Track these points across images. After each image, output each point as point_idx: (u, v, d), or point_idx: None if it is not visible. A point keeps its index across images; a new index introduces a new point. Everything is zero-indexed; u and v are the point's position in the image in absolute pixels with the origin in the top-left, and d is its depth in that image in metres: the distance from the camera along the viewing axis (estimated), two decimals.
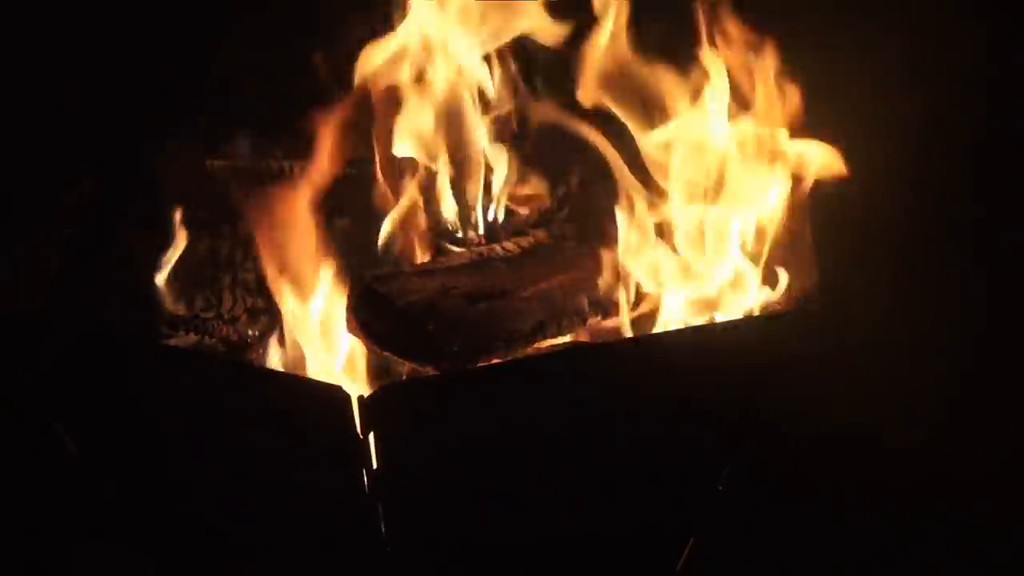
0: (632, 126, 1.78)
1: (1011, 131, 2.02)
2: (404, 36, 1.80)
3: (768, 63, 1.75)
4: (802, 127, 1.75)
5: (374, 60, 1.79)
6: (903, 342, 1.98)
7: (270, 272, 1.68)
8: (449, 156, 1.81)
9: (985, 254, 2.06)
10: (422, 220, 1.83)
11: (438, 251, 1.81)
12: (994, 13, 1.95)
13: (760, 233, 1.77)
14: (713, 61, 1.75)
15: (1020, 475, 1.89)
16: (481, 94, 1.83)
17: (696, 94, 1.77)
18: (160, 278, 1.79)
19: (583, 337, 1.76)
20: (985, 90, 1.99)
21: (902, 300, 1.98)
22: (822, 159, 1.72)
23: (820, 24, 1.88)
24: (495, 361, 1.62)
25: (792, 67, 1.76)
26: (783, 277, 1.75)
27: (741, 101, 1.78)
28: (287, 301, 1.68)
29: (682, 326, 1.73)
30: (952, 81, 1.95)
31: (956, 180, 2.02)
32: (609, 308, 1.75)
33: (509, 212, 1.88)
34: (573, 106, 1.82)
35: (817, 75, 1.81)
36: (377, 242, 1.83)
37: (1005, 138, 2.02)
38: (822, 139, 1.75)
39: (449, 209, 1.83)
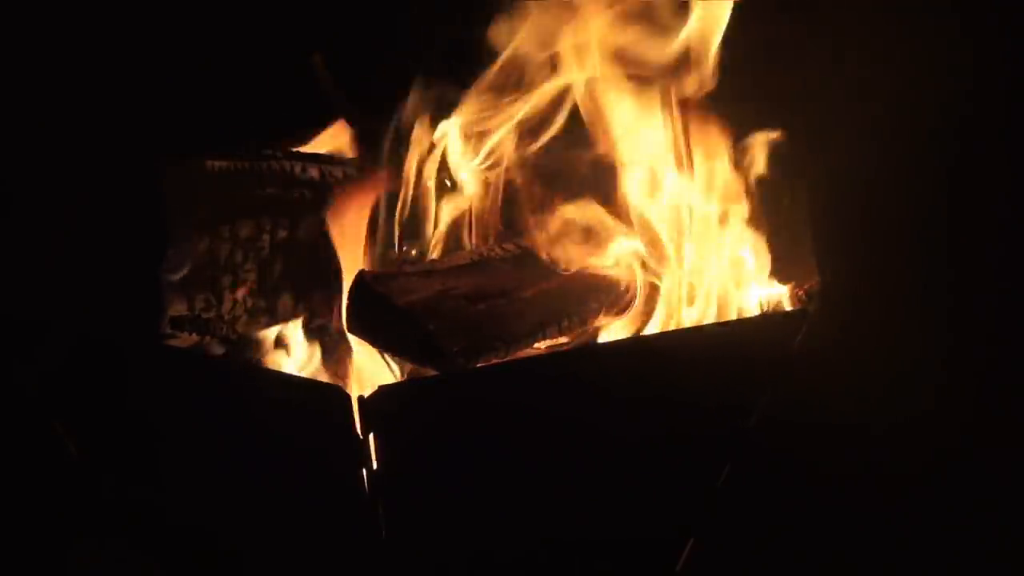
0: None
1: (1013, 132, 2.02)
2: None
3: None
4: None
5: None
6: (902, 342, 1.98)
7: None
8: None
9: (986, 254, 2.06)
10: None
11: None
12: (988, 14, 1.96)
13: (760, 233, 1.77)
14: None
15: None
16: None
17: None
18: (172, 278, 1.79)
19: (583, 337, 1.76)
20: (987, 91, 2.00)
21: (902, 300, 1.98)
22: None
23: (820, 26, 1.88)
24: (495, 361, 1.62)
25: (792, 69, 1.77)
26: (783, 277, 1.75)
27: None
28: None
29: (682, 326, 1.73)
30: (956, 82, 1.95)
31: (956, 180, 2.02)
32: (610, 308, 1.76)
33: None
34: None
35: (818, 76, 1.82)
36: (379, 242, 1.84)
37: (1008, 139, 2.03)
38: (822, 141, 1.75)
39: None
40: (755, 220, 1.78)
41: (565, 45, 1.77)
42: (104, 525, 1.71)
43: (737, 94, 1.79)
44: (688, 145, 1.79)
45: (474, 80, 1.83)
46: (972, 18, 1.92)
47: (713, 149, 1.80)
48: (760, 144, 1.78)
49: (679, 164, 1.78)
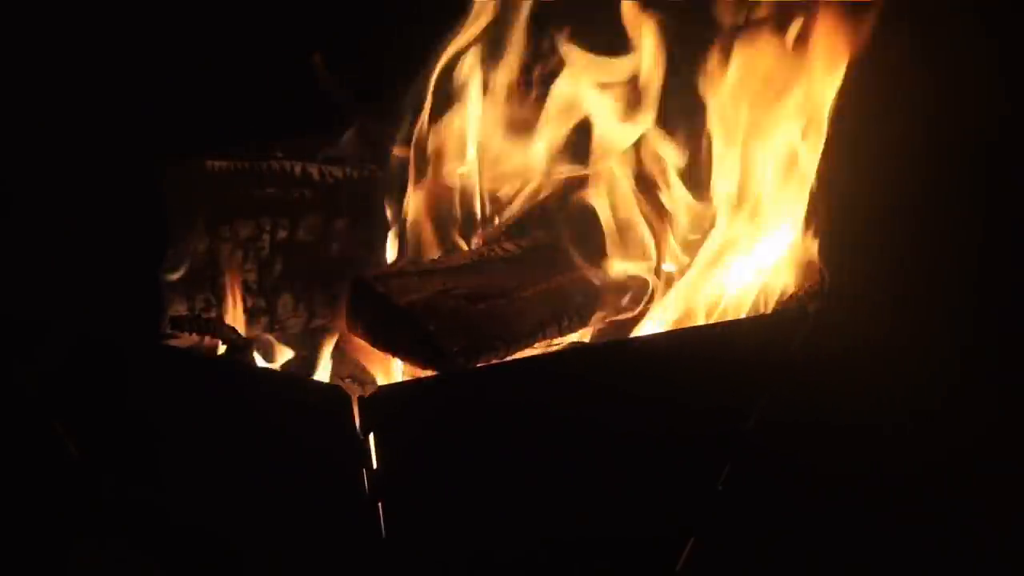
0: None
1: (1015, 132, 2.02)
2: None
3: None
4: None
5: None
6: (903, 342, 1.98)
7: None
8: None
9: (986, 255, 2.06)
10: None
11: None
12: (1003, 16, 1.96)
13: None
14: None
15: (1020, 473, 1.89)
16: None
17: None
18: (172, 278, 1.79)
19: (583, 337, 1.76)
20: (990, 92, 1.99)
21: (902, 300, 1.98)
22: None
23: None
24: (495, 361, 1.61)
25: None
26: (784, 277, 1.75)
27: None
28: None
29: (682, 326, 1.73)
30: (957, 83, 1.95)
31: (958, 181, 2.02)
32: (608, 309, 1.76)
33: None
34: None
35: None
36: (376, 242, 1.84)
37: (1009, 140, 2.03)
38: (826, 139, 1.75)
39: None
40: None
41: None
42: (104, 525, 1.71)
43: None
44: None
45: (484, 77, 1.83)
46: (975, 22, 1.93)
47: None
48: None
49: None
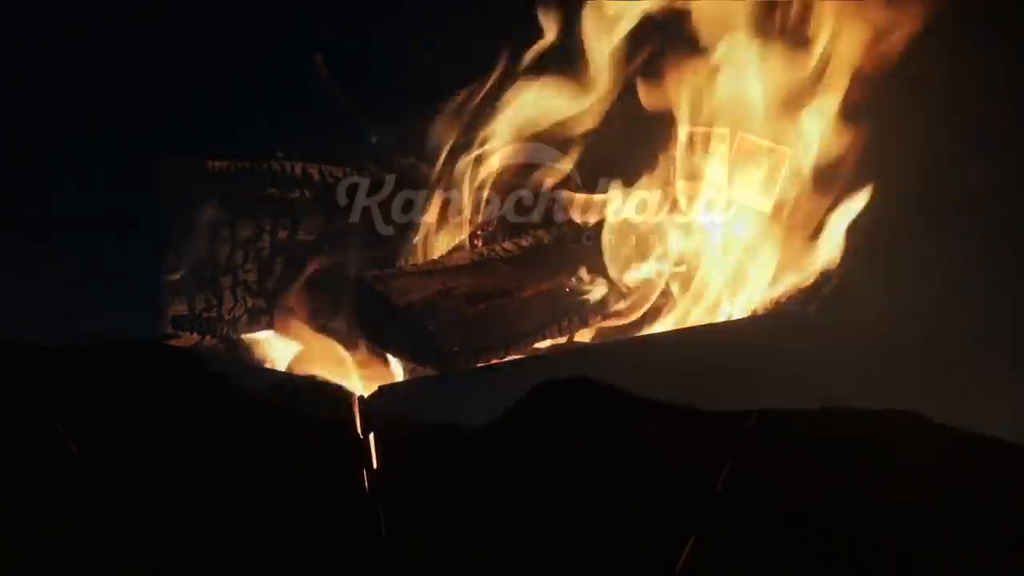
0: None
1: (1017, 132, 2.02)
2: None
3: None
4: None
5: None
6: (903, 342, 1.98)
7: None
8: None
9: (987, 255, 2.07)
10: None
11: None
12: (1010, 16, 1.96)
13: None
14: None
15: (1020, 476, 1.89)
16: None
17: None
18: (172, 278, 1.79)
19: (584, 337, 1.76)
20: (991, 89, 2.00)
21: (902, 300, 1.98)
22: None
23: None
24: (495, 361, 1.62)
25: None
26: (784, 277, 1.75)
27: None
28: None
29: (682, 326, 1.73)
30: (960, 81, 1.95)
31: (959, 180, 2.02)
32: (608, 309, 1.76)
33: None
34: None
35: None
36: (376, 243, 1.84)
37: (1011, 139, 2.03)
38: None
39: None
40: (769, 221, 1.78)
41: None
42: (104, 525, 1.71)
43: None
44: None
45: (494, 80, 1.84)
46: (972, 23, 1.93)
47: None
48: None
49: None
